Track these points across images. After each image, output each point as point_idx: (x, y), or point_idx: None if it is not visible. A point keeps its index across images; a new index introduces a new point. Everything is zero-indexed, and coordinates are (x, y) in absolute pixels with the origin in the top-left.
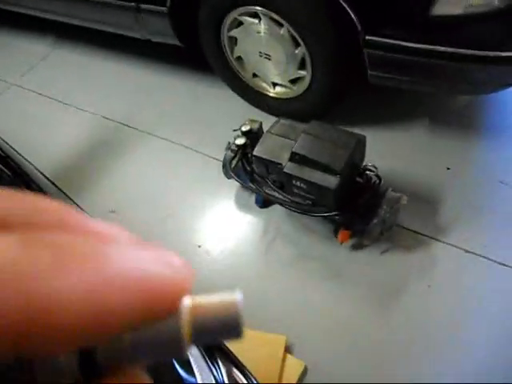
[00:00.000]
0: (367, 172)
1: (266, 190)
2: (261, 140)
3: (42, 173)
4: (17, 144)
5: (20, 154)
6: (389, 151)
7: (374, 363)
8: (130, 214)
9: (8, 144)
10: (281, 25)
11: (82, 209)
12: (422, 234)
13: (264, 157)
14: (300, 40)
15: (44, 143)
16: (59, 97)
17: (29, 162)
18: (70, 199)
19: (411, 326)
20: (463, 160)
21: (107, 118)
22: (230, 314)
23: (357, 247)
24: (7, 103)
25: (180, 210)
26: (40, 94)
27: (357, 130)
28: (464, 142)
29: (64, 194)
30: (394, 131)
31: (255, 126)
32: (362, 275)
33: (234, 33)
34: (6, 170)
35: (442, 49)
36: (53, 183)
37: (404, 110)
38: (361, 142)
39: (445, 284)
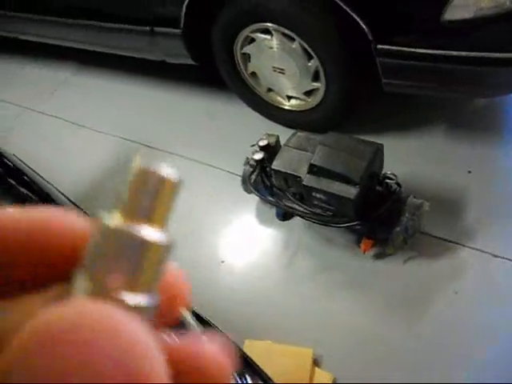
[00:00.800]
0: (387, 180)
1: (286, 203)
2: (279, 154)
3: (65, 196)
4: (40, 168)
5: (44, 179)
6: (408, 158)
7: (403, 373)
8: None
9: (32, 169)
10: (293, 39)
11: None
12: (446, 240)
13: (283, 170)
14: (312, 53)
15: (66, 166)
16: (79, 120)
17: (52, 186)
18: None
19: (439, 334)
20: (484, 162)
21: (127, 139)
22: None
23: (380, 256)
24: (29, 128)
25: (202, 227)
26: (60, 118)
27: (374, 139)
28: (484, 144)
29: (87, 215)
30: (411, 138)
31: (272, 140)
32: (387, 284)
33: (247, 49)
34: (31, 194)
35: (456, 53)
36: (77, 206)
37: (421, 115)
38: (379, 151)
39: (473, 290)
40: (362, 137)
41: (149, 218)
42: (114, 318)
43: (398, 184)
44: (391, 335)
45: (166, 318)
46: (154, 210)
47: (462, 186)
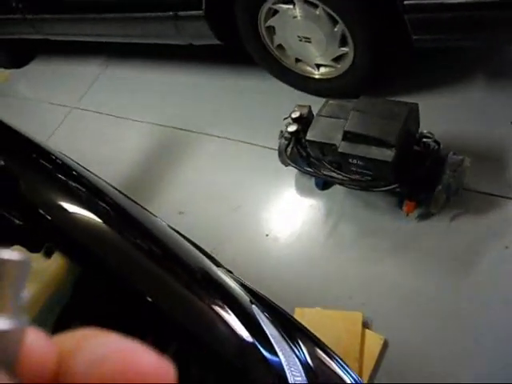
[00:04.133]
0: (424, 139)
1: (324, 172)
2: (312, 124)
3: (113, 186)
4: (84, 161)
5: (89, 171)
6: (445, 115)
7: (453, 333)
8: (197, 212)
9: (77, 163)
10: (316, 6)
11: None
12: (492, 195)
13: (317, 140)
14: (337, 17)
15: (109, 157)
16: (116, 112)
17: (99, 178)
18: (142, 207)
19: (492, 292)
20: None
21: (163, 125)
22: None
23: (424, 217)
24: (71, 125)
25: (244, 203)
26: (98, 112)
27: (408, 99)
28: None
29: (135, 203)
30: (447, 94)
31: (305, 111)
32: (434, 244)
33: (271, 22)
34: (80, 187)
35: None
36: (124, 194)
37: (454, 71)
38: (413, 111)
39: None
40: (395, 98)
41: None
42: None
43: (436, 142)
44: (440, 295)
45: None
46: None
47: (504, 137)
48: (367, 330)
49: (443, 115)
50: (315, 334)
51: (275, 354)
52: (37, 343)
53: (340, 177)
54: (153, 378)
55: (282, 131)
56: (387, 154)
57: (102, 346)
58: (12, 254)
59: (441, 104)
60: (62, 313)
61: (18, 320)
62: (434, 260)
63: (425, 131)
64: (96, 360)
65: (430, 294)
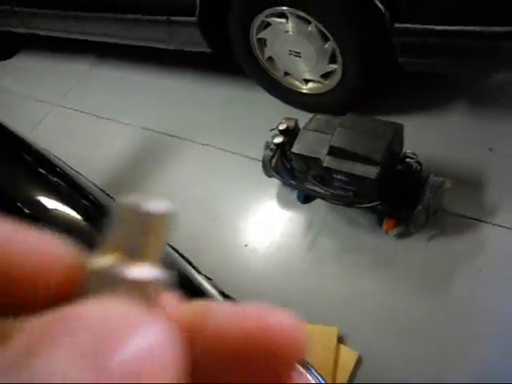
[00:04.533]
0: (407, 159)
1: (308, 186)
2: (298, 137)
3: (95, 184)
4: (68, 160)
5: (72, 169)
6: (428, 137)
7: (427, 350)
8: (175, 219)
9: (61, 160)
10: (308, 22)
11: None
12: (469, 218)
13: (303, 153)
14: (329, 35)
15: (92, 157)
16: (99, 113)
17: (82, 176)
18: None
19: (464, 312)
20: (506, 139)
21: (149, 129)
22: None
23: (403, 235)
24: (53, 123)
25: (225, 212)
26: (82, 111)
27: (393, 119)
28: (505, 121)
29: (114, 200)
30: (431, 117)
31: (291, 124)
32: (411, 263)
33: (263, 34)
34: (62, 183)
35: (472, 28)
36: (106, 193)
37: (439, 95)
38: (398, 131)
39: (497, 267)
40: (381, 117)
41: (140, 255)
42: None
43: (418, 163)
44: (415, 313)
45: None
46: (145, 246)
47: (483, 163)
48: (342, 346)
49: (426, 137)
50: None
51: None
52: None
53: (323, 191)
54: (289, 338)
55: (267, 142)
56: (371, 172)
57: (234, 308)
58: (157, 205)
59: (424, 126)
60: None
61: (160, 270)
62: (412, 278)
63: (408, 151)
64: (237, 313)
65: (406, 311)
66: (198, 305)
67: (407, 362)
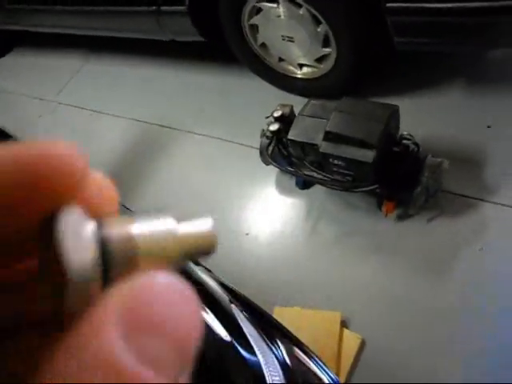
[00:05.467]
0: (404, 141)
1: (305, 172)
2: (294, 123)
3: None
4: None
5: None
6: (425, 118)
7: (429, 333)
8: (174, 209)
9: None
10: (299, 5)
11: (130, 210)
12: (468, 197)
13: (299, 139)
14: (321, 17)
15: (89, 152)
16: (95, 107)
17: None
18: (122, 205)
19: (466, 292)
20: (504, 116)
21: (146, 122)
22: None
23: (403, 218)
24: (48, 119)
25: (224, 201)
26: (77, 106)
27: (389, 101)
28: (502, 98)
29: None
30: (427, 97)
31: (286, 111)
32: (411, 245)
33: (255, 20)
34: None
35: (466, 4)
36: None
37: (435, 74)
38: (394, 112)
39: (498, 245)
40: (376, 100)
41: None
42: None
43: (415, 144)
44: (417, 295)
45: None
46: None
47: (481, 141)
48: (345, 330)
49: (423, 117)
50: (294, 333)
51: (253, 353)
52: None
53: (321, 177)
54: (67, 156)
55: (263, 130)
56: (368, 155)
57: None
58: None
59: (421, 106)
60: None
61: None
62: (412, 262)
63: (405, 133)
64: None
65: (407, 293)
66: None
67: (409, 344)
